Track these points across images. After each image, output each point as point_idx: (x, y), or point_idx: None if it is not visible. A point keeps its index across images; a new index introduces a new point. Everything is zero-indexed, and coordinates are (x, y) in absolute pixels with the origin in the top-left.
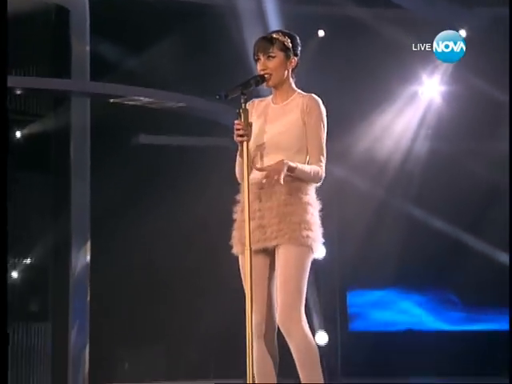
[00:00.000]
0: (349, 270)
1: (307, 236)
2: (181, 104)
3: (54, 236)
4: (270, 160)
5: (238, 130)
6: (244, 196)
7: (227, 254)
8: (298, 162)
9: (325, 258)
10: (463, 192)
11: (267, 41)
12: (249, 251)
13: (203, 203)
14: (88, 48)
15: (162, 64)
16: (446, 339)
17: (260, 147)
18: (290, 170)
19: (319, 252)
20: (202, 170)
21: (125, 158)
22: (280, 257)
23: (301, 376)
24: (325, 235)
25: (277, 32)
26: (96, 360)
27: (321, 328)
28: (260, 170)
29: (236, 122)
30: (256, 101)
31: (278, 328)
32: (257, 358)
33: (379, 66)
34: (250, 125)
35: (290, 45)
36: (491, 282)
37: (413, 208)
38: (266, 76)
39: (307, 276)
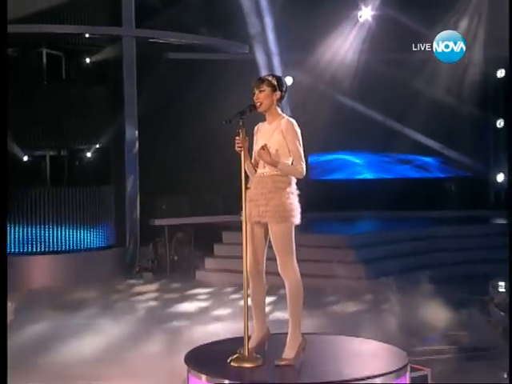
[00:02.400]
0: (306, 139)
1: (285, 215)
2: (199, 42)
3: (114, 127)
4: (262, 162)
5: (238, 143)
6: (242, 186)
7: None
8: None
9: None
10: (388, 88)
11: (260, 80)
12: (245, 224)
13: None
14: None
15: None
16: (378, 184)
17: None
18: (274, 163)
19: (297, 221)
20: (214, 75)
21: (159, 70)
22: (270, 232)
23: (288, 305)
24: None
25: (268, 75)
26: (144, 205)
27: None
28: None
29: (236, 138)
30: (260, 124)
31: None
32: (252, 288)
33: None
34: (246, 140)
35: (276, 83)
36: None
37: (352, 100)
38: (257, 104)
39: (292, 238)
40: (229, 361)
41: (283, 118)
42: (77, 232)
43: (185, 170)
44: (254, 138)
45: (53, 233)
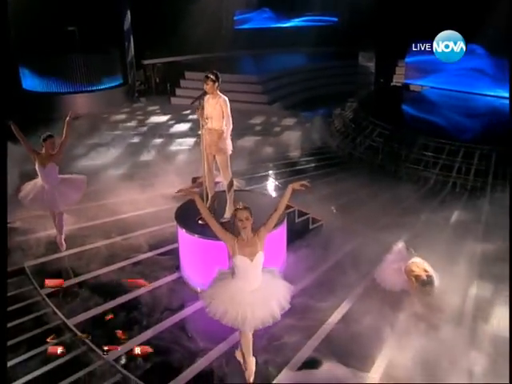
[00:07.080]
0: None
1: (224, 151)
2: None
3: (115, 11)
4: (210, 121)
5: (198, 113)
6: (202, 137)
7: None
8: (220, 124)
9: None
10: None
11: (206, 77)
12: (203, 153)
13: None
14: None
15: None
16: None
17: (208, 116)
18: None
19: (230, 152)
20: None
21: None
22: (217, 158)
23: (227, 191)
24: None
25: (211, 73)
26: (137, 54)
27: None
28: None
29: (196, 110)
30: (208, 96)
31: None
32: (207, 179)
33: None
34: (203, 109)
35: (215, 78)
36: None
37: None
38: (207, 91)
39: (228, 161)
40: (197, 219)
41: (221, 97)
42: (99, 78)
43: (166, 25)
44: (205, 104)
45: (90, 80)
